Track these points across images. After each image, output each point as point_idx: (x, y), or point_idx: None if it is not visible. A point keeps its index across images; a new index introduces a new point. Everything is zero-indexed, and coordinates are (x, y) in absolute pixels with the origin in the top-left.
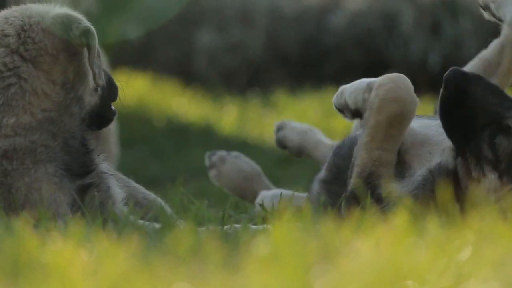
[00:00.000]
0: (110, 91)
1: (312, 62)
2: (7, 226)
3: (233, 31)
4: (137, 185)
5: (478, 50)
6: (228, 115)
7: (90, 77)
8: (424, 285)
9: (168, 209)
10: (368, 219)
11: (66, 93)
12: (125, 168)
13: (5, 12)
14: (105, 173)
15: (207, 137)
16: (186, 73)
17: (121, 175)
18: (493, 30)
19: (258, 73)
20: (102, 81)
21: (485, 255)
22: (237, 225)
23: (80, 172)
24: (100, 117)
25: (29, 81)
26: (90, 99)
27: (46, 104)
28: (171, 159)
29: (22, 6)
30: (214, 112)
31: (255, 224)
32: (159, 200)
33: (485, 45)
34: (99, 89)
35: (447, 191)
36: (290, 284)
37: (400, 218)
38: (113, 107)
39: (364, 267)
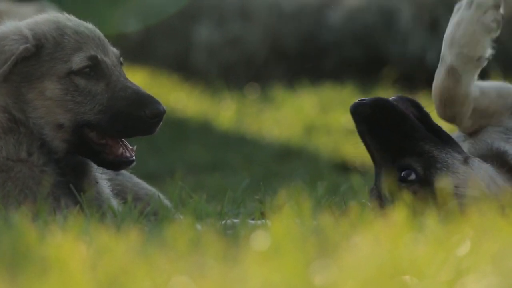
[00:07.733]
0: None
1: (310, 58)
2: (6, 219)
3: (232, 26)
4: (139, 181)
5: None
6: (227, 110)
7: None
8: (423, 280)
9: (167, 203)
10: (367, 214)
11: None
12: None
13: None
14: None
15: (205, 132)
16: (185, 68)
17: (123, 171)
18: None
19: (256, 68)
20: None
21: (483, 250)
22: (235, 220)
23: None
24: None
25: None
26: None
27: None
28: (169, 153)
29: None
30: (212, 107)
31: (253, 219)
32: (159, 194)
33: None
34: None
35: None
36: (289, 279)
37: (399, 213)
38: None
39: (363, 262)
